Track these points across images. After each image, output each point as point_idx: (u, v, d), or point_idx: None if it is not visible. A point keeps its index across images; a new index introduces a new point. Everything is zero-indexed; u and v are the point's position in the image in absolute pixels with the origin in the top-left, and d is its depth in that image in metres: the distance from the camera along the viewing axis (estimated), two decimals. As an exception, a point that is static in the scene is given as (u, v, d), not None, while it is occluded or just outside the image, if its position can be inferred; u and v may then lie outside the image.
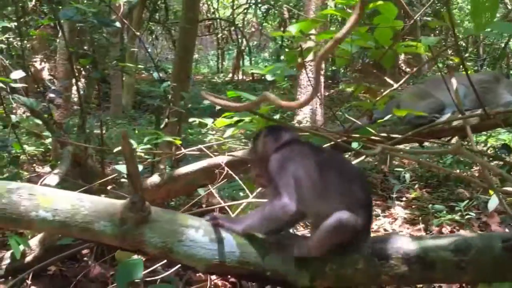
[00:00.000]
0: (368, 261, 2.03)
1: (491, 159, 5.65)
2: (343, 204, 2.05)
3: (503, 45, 14.44)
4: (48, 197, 2.17)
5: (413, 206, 6.21)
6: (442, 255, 1.91)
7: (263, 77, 17.60)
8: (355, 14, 1.52)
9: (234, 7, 19.72)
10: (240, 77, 18.79)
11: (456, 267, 1.89)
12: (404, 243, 2.03)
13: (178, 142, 3.67)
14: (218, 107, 4.23)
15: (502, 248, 1.85)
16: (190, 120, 4.00)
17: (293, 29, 2.88)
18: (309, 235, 2.42)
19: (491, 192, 4.34)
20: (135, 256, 2.54)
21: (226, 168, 3.40)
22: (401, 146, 7.55)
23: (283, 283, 2.13)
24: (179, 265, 3.54)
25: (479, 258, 1.86)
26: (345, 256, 2.06)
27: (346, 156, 6.99)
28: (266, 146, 2.27)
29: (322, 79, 7.85)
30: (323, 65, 7.91)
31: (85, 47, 5.88)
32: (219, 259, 2.09)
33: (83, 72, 6.11)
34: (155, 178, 3.97)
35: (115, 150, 3.61)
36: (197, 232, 2.13)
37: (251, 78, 18.17)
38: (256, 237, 2.17)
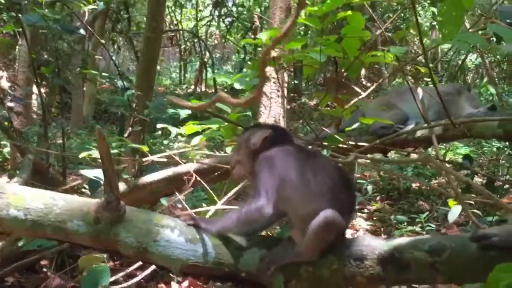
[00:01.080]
0: (343, 262, 2.02)
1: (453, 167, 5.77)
2: (328, 205, 2.04)
3: (460, 62, 14.90)
4: (20, 196, 2.12)
5: (374, 218, 6.29)
6: (417, 256, 1.92)
7: (225, 90, 17.63)
8: (292, 17, 1.53)
9: (198, 19, 19.74)
10: (203, 89, 18.78)
11: (430, 268, 1.90)
12: (379, 244, 2.03)
13: (146, 149, 3.63)
14: (182, 116, 4.22)
15: (471, 239, 1.91)
16: (158, 126, 3.95)
17: (263, 36, 2.89)
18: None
19: (451, 204, 4.44)
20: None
21: (194, 175, 3.37)
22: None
23: (257, 284, 2.10)
24: (141, 276, 3.50)
25: (453, 259, 1.88)
26: (320, 257, 2.05)
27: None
28: (263, 142, 2.24)
29: (285, 92, 7.89)
30: (286, 77, 7.97)
31: (46, 56, 5.77)
32: (194, 259, 2.06)
33: (43, 82, 5.99)
34: (120, 187, 3.90)
35: (80, 156, 3.54)
36: (172, 232, 2.10)
37: (213, 90, 18.15)
38: (232, 238, 2.15)
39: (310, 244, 2.04)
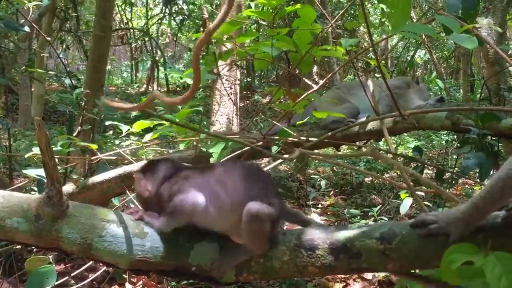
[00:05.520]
0: (294, 252, 1.99)
1: (403, 159, 5.89)
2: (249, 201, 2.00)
3: (409, 58, 15.24)
4: (-49, 193, 2.01)
5: (328, 213, 6.36)
6: (368, 244, 1.91)
7: (178, 88, 17.43)
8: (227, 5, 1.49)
9: (148, 17, 19.52)
10: (155, 88, 18.61)
11: (381, 255, 1.89)
12: (330, 233, 2.01)
13: (94, 147, 3.54)
14: (133, 115, 4.14)
15: (411, 225, 1.90)
16: (108, 123, 3.85)
17: (212, 30, 2.83)
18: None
19: (403, 196, 4.51)
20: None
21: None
22: (317, 151, 7.74)
23: (208, 278, 2.07)
24: (92, 277, 3.42)
25: (403, 245, 1.88)
26: (271, 249, 2.02)
27: (264, 161, 7.08)
28: (148, 186, 2.18)
29: (238, 89, 7.89)
30: (238, 75, 7.96)
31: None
32: (142, 254, 2.00)
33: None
34: (68, 187, 3.80)
35: (26, 156, 3.42)
36: (118, 227, 2.03)
37: (166, 89, 18.00)
38: (182, 232, 2.09)
39: (252, 242, 2.00)
